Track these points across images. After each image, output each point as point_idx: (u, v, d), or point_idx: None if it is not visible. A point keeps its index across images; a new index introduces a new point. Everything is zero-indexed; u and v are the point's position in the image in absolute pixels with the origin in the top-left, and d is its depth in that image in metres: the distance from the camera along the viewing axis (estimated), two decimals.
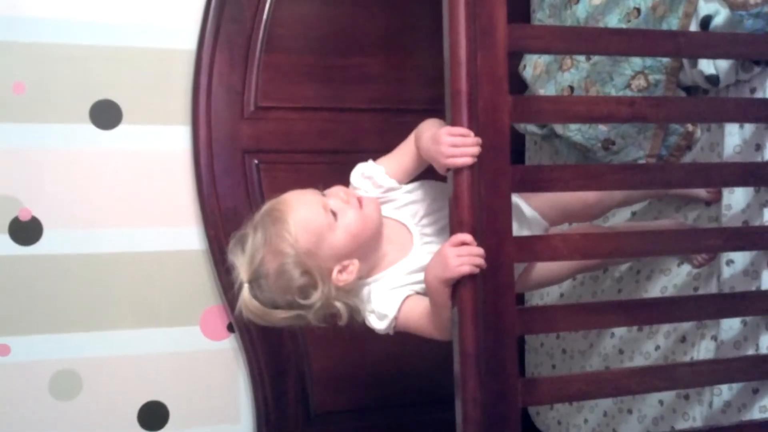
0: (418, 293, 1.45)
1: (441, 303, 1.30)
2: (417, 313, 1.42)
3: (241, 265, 1.42)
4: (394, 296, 1.45)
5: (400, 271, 1.47)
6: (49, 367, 2.17)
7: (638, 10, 1.77)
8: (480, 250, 1.23)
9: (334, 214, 1.42)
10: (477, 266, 1.22)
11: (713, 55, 1.56)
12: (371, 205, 1.46)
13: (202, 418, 2.29)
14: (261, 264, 1.40)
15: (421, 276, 1.42)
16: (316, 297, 1.41)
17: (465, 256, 1.22)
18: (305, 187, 1.52)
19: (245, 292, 1.42)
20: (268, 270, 1.40)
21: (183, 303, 2.26)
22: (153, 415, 2.25)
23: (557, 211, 1.69)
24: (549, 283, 1.78)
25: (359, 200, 1.46)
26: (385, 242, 1.49)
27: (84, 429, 2.19)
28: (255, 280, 1.41)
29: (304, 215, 1.40)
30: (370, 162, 1.53)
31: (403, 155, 1.50)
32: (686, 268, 1.79)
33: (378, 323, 1.45)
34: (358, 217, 1.43)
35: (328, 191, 1.47)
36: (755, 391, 1.54)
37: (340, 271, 1.44)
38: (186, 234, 2.26)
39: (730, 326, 1.61)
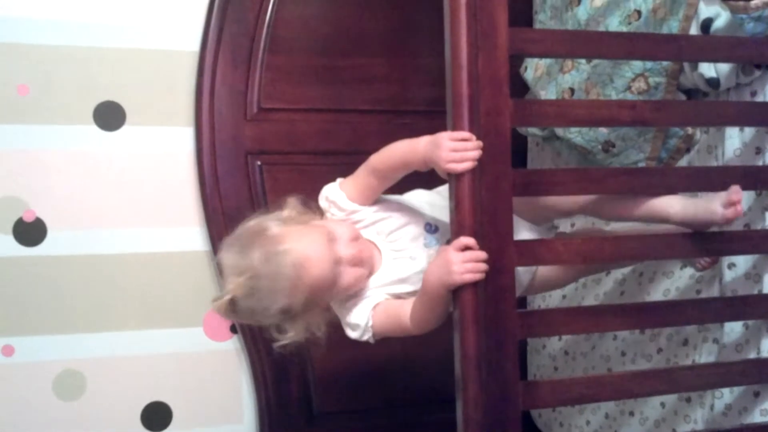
0: (388, 299, 1.49)
1: (437, 300, 1.32)
2: (393, 315, 1.46)
3: (233, 282, 1.40)
4: (364, 305, 1.49)
5: (371, 286, 1.50)
6: (53, 368, 2.18)
7: (639, 12, 1.77)
8: (483, 255, 1.23)
9: (337, 273, 1.44)
10: (481, 272, 1.22)
11: (714, 59, 1.56)
12: (369, 262, 1.48)
13: (205, 418, 2.30)
14: (257, 299, 1.40)
15: (392, 288, 1.49)
16: (290, 335, 1.47)
17: (470, 263, 1.22)
18: (307, 188, 1.56)
19: (225, 302, 1.42)
20: (258, 307, 1.41)
21: (186, 304, 2.26)
22: (156, 415, 2.25)
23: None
24: (554, 286, 1.80)
25: (361, 256, 1.46)
26: None
27: (87, 429, 2.19)
28: (240, 302, 1.41)
29: (318, 276, 1.41)
30: (335, 186, 1.52)
31: (362, 182, 1.49)
32: (689, 271, 1.79)
33: (351, 333, 1.50)
34: (354, 278, 1.46)
35: (337, 234, 1.45)
36: (756, 395, 1.54)
37: (321, 309, 1.50)
38: (189, 235, 2.27)
39: (732, 329, 1.61)
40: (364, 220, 1.52)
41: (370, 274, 1.51)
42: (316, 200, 1.55)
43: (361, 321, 1.48)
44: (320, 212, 1.55)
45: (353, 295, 1.50)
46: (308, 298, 1.42)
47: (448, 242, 1.40)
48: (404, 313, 1.43)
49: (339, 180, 1.53)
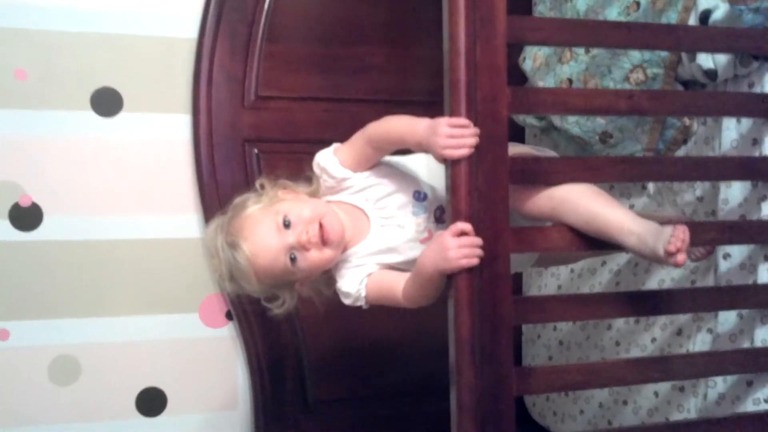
0: (380, 270, 1.51)
1: (431, 283, 1.33)
2: (386, 288, 1.48)
3: (211, 263, 1.54)
4: (355, 274, 1.51)
5: (360, 253, 1.51)
6: (48, 353, 2.18)
7: (638, 3, 1.78)
8: (479, 241, 1.24)
9: (293, 258, 1.46)
10: (477, 257, 1.23)
11: (712, 50, 1.56)
12: (335, 240, 1.47)
13: (200, 404, 2.30)
14: (235, 281, 1.50)
15: (382, 257, 1.50)
16: (279, 302, 1.55)
17: (466, 248, 1.23)
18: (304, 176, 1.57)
19: (217, 278, 1.58)
20: (240, 285, 1.51)
21: (182, 290, 2.27)
22: (151, 401, 2.26)
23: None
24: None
25: (324, 234, 1.45)
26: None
27: (82, 414, 2.20)
28: (223, 280, 1.53)
29: (268, 266, 1.46)
30: (329, 151, 1.52)
31: (358, 149, 1.49)
32: None
33: (344, 300, 1.53)
34: (318, 260, 1.47)
35: (292, 217, 1.46)
36: (749, 384, 1.55)
37: (301, 283, 1.54)
38: (186, 222, 2.27)
39: (726, 319, 1.62)
40: (354, 186, 1.51)
41: (347, 247, 1.51)
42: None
43: (351, 289, 1.50)
44: (315, 178, 1.55)
45: (344, 260, 1.51)
46: (277, 281, 1.49)
47: (438, 209, 1.48)
48: (397, 287, 1.45)
49: (335, 145, 1.53)
